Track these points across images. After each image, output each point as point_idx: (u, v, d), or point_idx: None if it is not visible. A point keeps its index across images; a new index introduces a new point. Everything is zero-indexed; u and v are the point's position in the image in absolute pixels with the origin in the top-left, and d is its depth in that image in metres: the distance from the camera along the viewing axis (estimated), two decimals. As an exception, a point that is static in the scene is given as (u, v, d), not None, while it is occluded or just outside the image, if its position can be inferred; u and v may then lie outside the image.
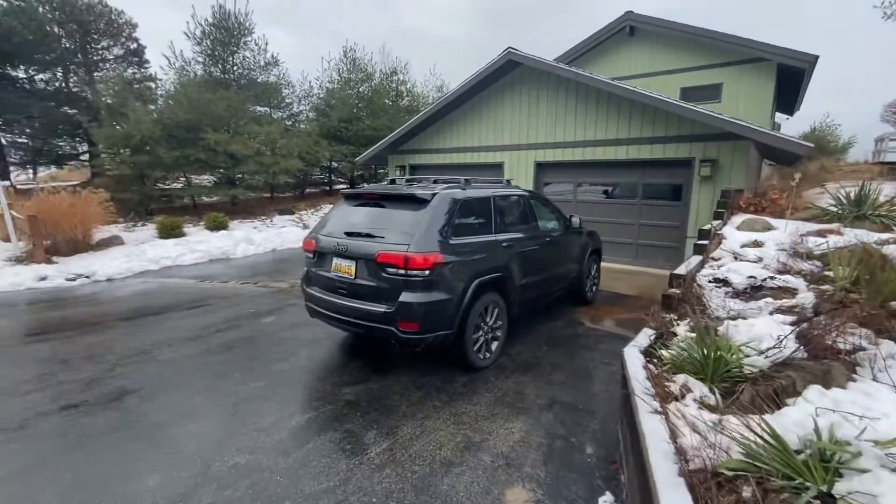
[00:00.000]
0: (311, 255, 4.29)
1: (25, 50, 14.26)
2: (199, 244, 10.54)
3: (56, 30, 16.10)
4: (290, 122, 17.70)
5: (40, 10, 14.86)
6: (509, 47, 9.30)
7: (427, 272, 3.53)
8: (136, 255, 9.59)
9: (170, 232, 11.37)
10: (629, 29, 13.43)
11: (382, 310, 3.63)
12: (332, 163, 18.23)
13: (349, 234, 3.94)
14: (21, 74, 16.24)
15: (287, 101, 17.55)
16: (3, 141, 18.74)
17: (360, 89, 19.77)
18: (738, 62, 12.03)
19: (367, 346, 4.77)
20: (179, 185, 16.01)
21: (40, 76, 16.75)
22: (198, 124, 14.03)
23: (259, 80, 16.44)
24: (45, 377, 4.03)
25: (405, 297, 3.55)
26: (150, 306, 6.45)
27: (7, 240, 9.25)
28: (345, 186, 21.87)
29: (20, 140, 19.24)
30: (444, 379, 4.00)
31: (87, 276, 8.39)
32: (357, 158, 13.38)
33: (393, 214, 3.89)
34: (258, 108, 16.69)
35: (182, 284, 7.92)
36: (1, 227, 9.24)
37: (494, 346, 4.33)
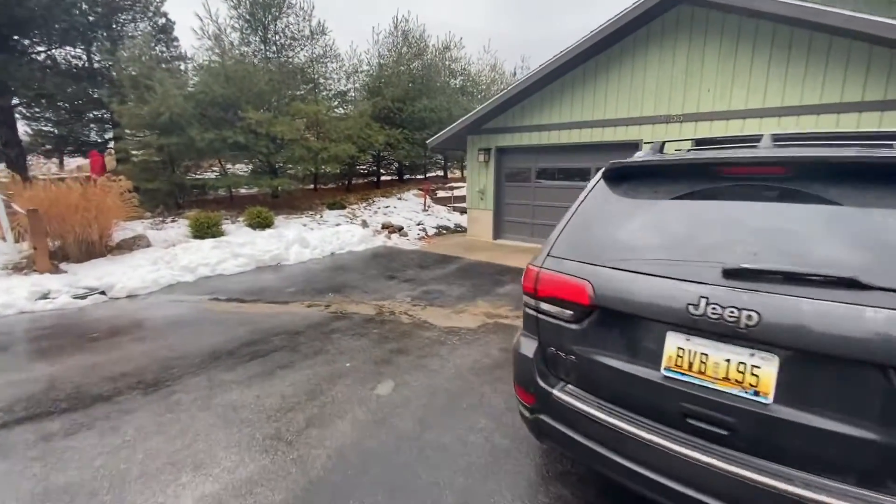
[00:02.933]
0: (568, 315, 1.80)
1: (40, 15, 12.34)
2: (242, 247, 8.29)
3: (75, -3, 14.11)
4: (336, 102, 15.41)
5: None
6: (671, -23, 6.64)
7: None
8: (165, 262, 7.40)
9: (206, 230, 9.18)
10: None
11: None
12: (382, 150, 15.86)
13: (747, 277, 1.41)
14: (40, 48, 14.33)
15: (335, 76, 15.21)
16: (29, 130, 17.00)
17: (413, 66, 17.30)
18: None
19: None
20: (213, 175, 13.91)
21: (60, 51, 14.85)
22: (236, 101, 11.81)
23: (304, 51, 14.14)
24: None
25: None
26: (186, 353, 4.14)
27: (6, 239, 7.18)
28: (393, 178, 19.55)
29: (45, 129, 17.51)
30: None
31: (103, 292, 6.21)
32: (429, 140, 10.96)
33: (881, 220, 1.35)
34: (301, 88, 14.43)
35: (228, 308, 5.63)
36: (-4, 224, 7.16)
37: None
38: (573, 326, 1.78)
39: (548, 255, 1.94)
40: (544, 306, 1.89)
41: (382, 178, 18.73)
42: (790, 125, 6.40)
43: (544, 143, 9.15)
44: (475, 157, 10.25)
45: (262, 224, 10.26)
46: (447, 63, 19.54)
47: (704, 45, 6.99)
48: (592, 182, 2.07)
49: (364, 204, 14.09)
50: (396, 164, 18.91)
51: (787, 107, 6.40)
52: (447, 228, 12.02)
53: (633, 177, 1.93)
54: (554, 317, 1.86)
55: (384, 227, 11.06)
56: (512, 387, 2.28)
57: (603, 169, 2.03)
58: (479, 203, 10.38)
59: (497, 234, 10.32)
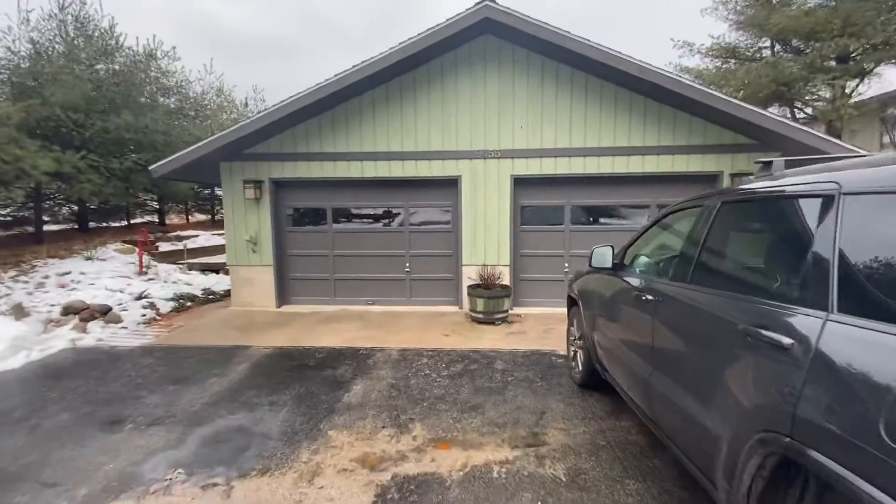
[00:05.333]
0: None
1: None
2: None
3: None
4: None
5: None
6: None
7: None
8: None
9: None
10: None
11: None
12: (49, 183, 9.98)
13: None
14: None
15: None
16: None
17: (98, 67, 12.05)
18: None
19: None
20: None
21: None
22: None
23: None
24: None
25: None
26: None
27: None
28: (70, 227, 12.93)
29: None
30: None
31: None
32: (153, 166, 6.98)
33: None
34: None
35: None
36: None
37: None
38: None
39: None
40: None
41: (48, 227, 12.02)
42: (593, 165, 6.71)
43: (341, 177, 7.12)
44: (239, 193, 7.17)
45: None
46: (154, 75, 14.71)
47: (514, 80, 6.72)
48: None
49: (14, 272, 8.22)
50: (75, 207, 12.59)
51: (590, 147, 6.69)
52: (193, 298, 8.08)
53: None
54: None
55: (69, 311, 6.35)
56: None
57: None
58: (251, 256, 7.27)
59: (283, 298, 7.42)
